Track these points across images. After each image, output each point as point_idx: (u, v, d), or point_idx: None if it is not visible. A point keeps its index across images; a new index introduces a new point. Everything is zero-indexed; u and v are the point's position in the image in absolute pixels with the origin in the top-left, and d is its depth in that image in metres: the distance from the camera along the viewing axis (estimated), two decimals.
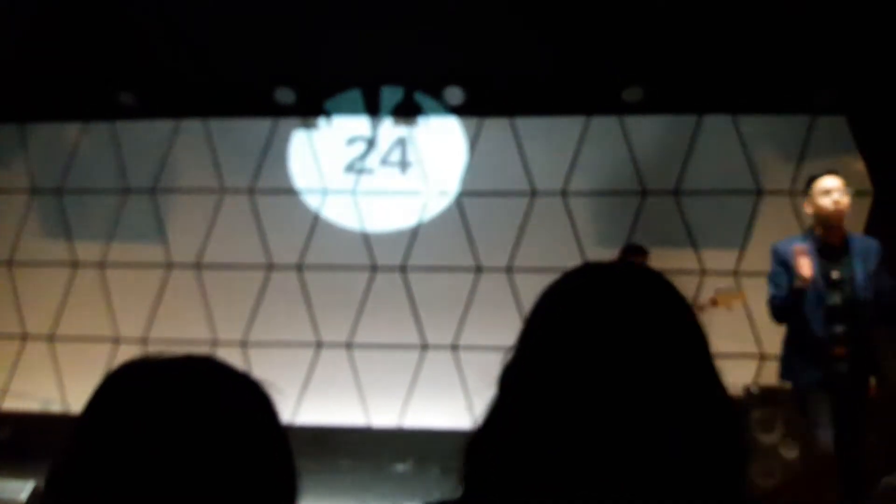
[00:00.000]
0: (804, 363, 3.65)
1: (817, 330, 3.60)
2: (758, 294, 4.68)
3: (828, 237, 3.65)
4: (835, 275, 3.59)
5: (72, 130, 6.70)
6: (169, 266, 6.46)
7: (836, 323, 3.56)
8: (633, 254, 5.41)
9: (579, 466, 0.74)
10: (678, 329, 0.82)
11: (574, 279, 0.89)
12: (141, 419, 0.72)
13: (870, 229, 5.79)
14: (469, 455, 0.84)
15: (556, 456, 0.75)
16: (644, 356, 0.78)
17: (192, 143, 6.57)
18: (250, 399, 0.79)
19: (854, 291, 3.54)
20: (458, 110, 6.33)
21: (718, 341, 0.85)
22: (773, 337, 3.93)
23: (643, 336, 0.79)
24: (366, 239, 6.35)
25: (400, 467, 5.90)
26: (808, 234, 3.78)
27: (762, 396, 4.98)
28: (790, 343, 3.76)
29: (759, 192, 6.04)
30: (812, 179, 3.76)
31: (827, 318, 3.57)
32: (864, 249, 3.60)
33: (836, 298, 3.56)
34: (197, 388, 0.76)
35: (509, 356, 0.86)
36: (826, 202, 3.59)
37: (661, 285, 0.86)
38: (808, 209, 3.75)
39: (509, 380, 0.84)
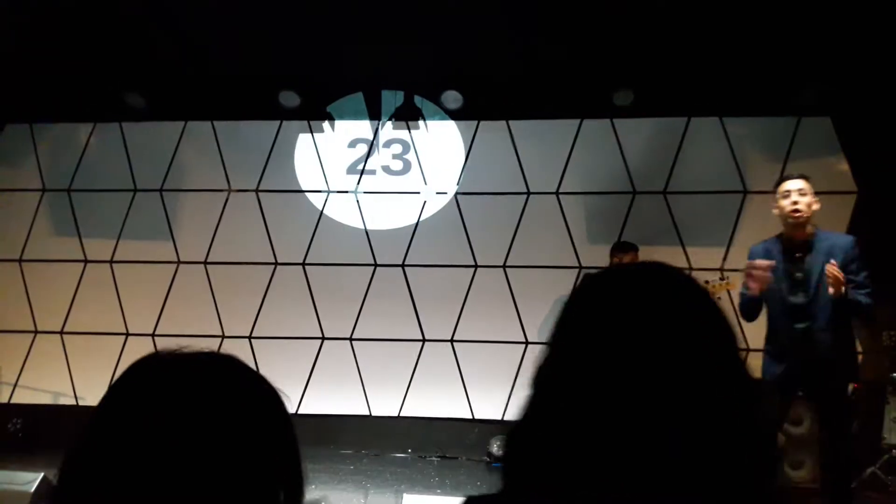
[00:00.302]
0: (769, 358, 3.76)
1: (781, 328, 3.71)
2: None
3: (793, 237, 3.74)
4: (798, 274, 3.68)
5: (82, 131, 6.75)
6: (177, 263, 6.54)
7: (799, 321, 3.65)
8: (623, 251, 5.48)
9: (616, 461, 0.74)
10: (706, 326, 0.82)
11: (602, 279, 0.89)
12: (156, 410, 0.73)
13: (854, 228, 5.91)
14: (508, 452, 0.84)
15: (593, 452, 0.75)
16: (675, 352, 0.78)
17: (199, 145, 6.63)
18: (263, 398, 0.80)
19: (814, 290, 3.61)
20: (455, 113, 6.40)
21: None
22: (757, 332, 4.04)
23: (672, 333, 0.79)
24: (367, 237, 6.42)
25: (399, 455, 6.00)
26: (779, 235, 3.86)
27: None
28: (766, 340, 3.86)
29: (745, 192, 6.10)
30: (779, 182, 3.86)
31: (790, 316, 3.67)
32: (829, 247, 3.63)
33: (799, 297, 3.65)
34: (212, 384, 0.77)
35: (542, 356, 0.85)
36: (785, 203, 3.70)
37: (686, 284, 0.86)
38: (774, 210, 3.86)
39: (544, 379, 0.84)
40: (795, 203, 3.67)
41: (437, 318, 6.27)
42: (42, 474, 3.48)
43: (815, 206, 3.73)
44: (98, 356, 6.38)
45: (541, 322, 6.16)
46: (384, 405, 6.22)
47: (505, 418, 6.07)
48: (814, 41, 5.27)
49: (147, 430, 0.71)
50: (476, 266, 6.30)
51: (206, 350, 0.81)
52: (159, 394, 0.75)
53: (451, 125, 6.48)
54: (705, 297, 0.85)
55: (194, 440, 0.72)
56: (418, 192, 6.47)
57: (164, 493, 0.69)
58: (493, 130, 6.43)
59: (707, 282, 4.95)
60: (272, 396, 0.81)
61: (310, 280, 6.42)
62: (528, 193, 6.34)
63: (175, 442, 0.71)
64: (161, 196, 6.62)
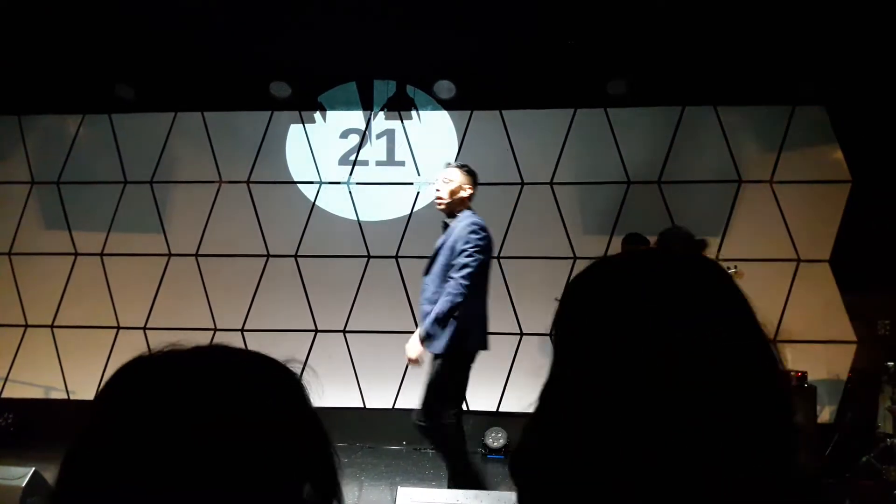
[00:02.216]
0: None
1: None
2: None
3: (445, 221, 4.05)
4: None
5: (70, 123, 6.70)
6: (168, 256, 6.51)
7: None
8: (635, 243, 5.51)
9: (633, 471, 0.67)
10: (727, 310, 0.74)
11: (610, 271, 0.79)
12: (157, 411, 0.67)
13: (848, 217, 5.95)
14: (519, 469, 0.77)
15: (607, 465, 0.69)
16: (698, 340, 0.70)
17: (189, 136, 6.59)
18: (269, 381, 0.75)
19: (429, 267, 4.03)
20: (448, 103, 6.39)
21: None
22: None
23: (696, 320, 0.72)
24: (360, 228, 6.41)
25: (394, 447, 6.02)
26: None
27: None
28: None
29: (739, 182, 6.11)
30: None
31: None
32: (449, 232, 3.94)
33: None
34: (210, 378, 0.71)
35: (551, 371, 0.77)
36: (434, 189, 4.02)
37: (708, 270, 0.77)
38: None
39: (553, 395, 0.76)
40: (438, 190, 4.00)
41: None
42: (33, 469, 3.48)
43: (464, 193, 3.99)
44: (89, 350, 6.37)
45: (536, 313, 6.14)
46: (378, 397, 6.21)
47: (500, 410, 6.07)
48: (809, 30, 5.27)
49: (151, 432, 0.66)
50: None
51: (196, 345, 0.74)
52: (156, 394, 0.69)
53: (443, 115, 6.46)
54: (731, 284, 0.76)
55: (198, 439, 0.66)
56: (411, 183, 6.45)
57: (171, 495, 0.64)
58: (486, 120, 6.41)
59: None
60: (278, 377, 0.75)
61: (302, 272, 6.40)
62: (522, 184, 6.33)
63: (179, 442, 0.65)
64: (151, 188, 6.59)
